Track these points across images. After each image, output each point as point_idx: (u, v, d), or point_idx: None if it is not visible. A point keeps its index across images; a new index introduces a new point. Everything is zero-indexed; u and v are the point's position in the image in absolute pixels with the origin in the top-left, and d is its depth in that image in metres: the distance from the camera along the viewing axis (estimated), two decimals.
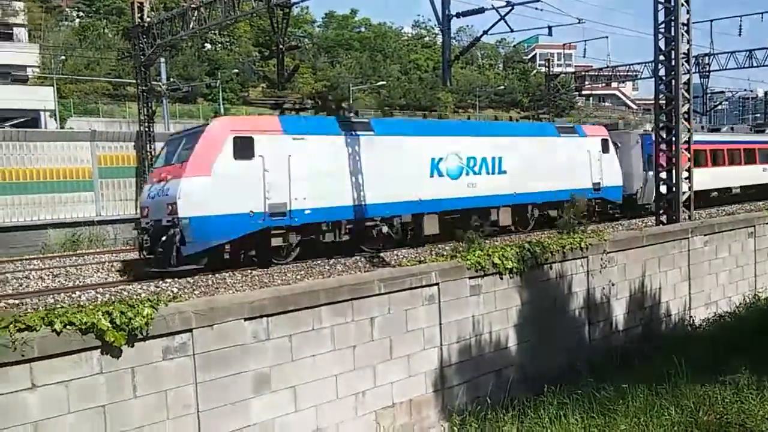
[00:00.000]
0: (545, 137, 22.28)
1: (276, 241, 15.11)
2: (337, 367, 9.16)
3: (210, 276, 13.00)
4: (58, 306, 8.54)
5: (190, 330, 7.75)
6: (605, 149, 23.59)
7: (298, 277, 12.72)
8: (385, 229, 17.11)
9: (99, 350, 7.12)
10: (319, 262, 15.10)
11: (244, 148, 14.55)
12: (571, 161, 22.18)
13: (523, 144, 21.04)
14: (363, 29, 78.72)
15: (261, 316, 8.39)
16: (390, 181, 17.09)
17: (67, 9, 58.45)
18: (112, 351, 7.18)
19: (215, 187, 14.07)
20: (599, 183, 23.11)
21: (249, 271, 13.64)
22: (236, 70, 54.63)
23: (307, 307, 8.87)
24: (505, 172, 20.19)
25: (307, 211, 15.45)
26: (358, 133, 16.85)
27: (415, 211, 17.80)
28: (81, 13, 58.99)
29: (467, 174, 19.22)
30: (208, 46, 57.85)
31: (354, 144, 16.53)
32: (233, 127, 14.94)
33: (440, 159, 18.57)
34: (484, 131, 21.02)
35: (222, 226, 14.07)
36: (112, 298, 10.21)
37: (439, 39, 24.13)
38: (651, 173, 22.37)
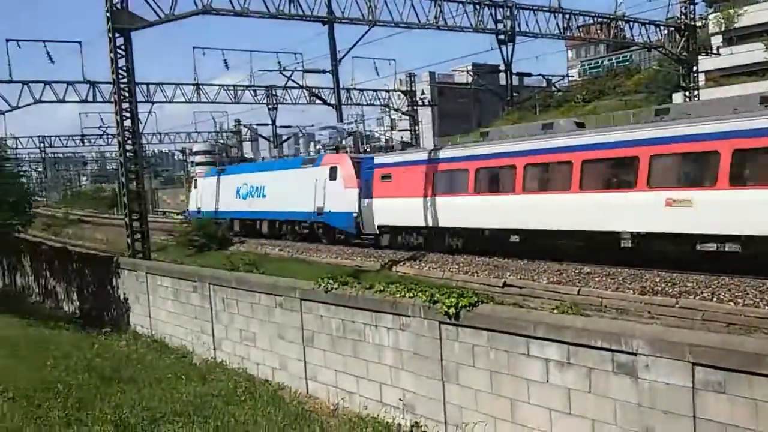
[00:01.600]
0: (290, 169, 31.45)
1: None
2: None
3: None
4: None
5: None
6: (332, 177, 27.11)
7: None
8: (225, 225, 34.08)
9: None
10: None
11: None
12: (303, 188, 28.39)
13: (278, 175, 32.01)
14: None
15: None
16: (224, 201, 36.52)
17: None
18: None
19: None
20: (322, 208, 27.52)
21: None
22: None
23: None
24: (266, 196, 32.50)
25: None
26: (225, 173, 38.32)
27: (231, 217, 35.55)
28: None
29: (253, 197, 33.54)
30: None
31: (216, 181, 38.11)
32: None
33: (238, 188, 35.23)
34: (264, 168, 36.51)
35: None
36: None
37: None
38: (368, 200, 24.71)
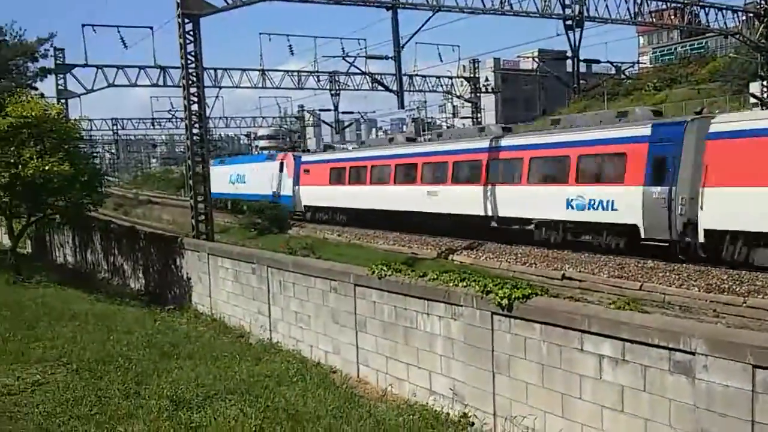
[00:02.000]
0: (260, 162, 43.46)
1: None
2: None
3: None
4: None
5: None
6: (281, 169, 39.12)
7: None
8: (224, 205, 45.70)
9: None
10: None
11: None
12: (265, 177, 40.31)
13: (252, 167, 43.78)
14: None
15: None
16: (222, 186, 43.17)
17: None
18: None
19: None
20: (276, 192, 38.89)
21: None
22: None
23: None
24: (245, 183, 43.75)
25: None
26: (223, 164, 50.45)
27: (226, 198, 45.78)
28: None
29: (238, 183, 45.28)
30: None
31: (222, 169, 46.74)
32: None
33: (230, 175, 46.12)
34: (244, 161, 48.52)
35: None
36: None
37: None
38: (297, 187, 37.17)
